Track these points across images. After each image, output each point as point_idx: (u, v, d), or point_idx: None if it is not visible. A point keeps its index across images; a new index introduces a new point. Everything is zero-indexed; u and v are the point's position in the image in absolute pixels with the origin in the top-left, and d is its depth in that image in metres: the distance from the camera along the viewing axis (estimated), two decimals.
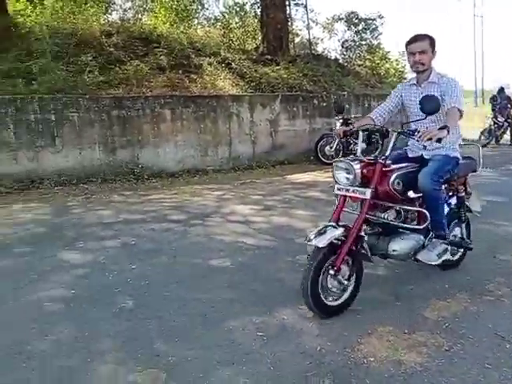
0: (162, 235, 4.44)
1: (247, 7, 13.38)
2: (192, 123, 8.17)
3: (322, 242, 2.51)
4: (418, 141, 2.64)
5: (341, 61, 13.21)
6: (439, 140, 2.51)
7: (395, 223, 2.86)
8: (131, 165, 7.54)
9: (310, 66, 10.95)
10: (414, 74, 3.09)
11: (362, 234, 2.71)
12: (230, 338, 2.50)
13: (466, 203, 3.32)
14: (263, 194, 6.42)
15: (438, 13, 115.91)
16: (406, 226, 2.88)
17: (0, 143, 6.59)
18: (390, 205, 2.85)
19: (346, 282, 2.68)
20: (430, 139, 2.49)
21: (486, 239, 3.95)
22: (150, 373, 2.20)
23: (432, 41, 2.95)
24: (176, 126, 8.03)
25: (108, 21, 11.25)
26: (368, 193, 2.66)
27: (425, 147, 2.95)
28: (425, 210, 2.84)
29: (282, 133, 9.42)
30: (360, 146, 2.88)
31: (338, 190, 2.78)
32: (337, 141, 8.60)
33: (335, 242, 2.60)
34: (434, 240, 2.93)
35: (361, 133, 2.93)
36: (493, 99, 12.27)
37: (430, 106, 2.57)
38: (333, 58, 13.20)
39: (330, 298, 2.69)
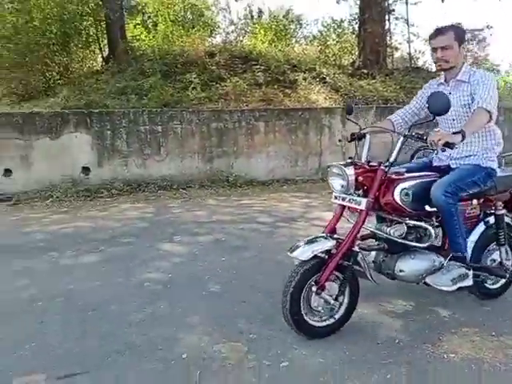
0: (250, 234, 4.70)
1: (345, 24, 13.50)
2: (284, 135, 8.44)
3: (306, 254, 2.23)
4: (431, 145, 2.23)
5: None
6: (448, 145, 2.16)
7: (398, 240, 2.46)
8: (226, 173, 7.99)
9: (408, 78, 10.70)
10: None
11: (356, 248, 2.37)
12: None
13: (509, 222, 2.79)
14: None
15: None
16: (407, 242, 2.47)
17: (114, 151, 7.48)
18: (396, 219, 2.49)
19: (332, 302, 2.35)
20: (444, 143, 2.15)
21: None
22: (233, 346, 2.40)
23: (458, 33, 2.55)
24: (269, 138, 8.36)
25: (212, 43, 12.17)
26: (363, 203, 2.32)
27: (449, 154, 2.58)
28: (428, 226, 2.45)
29: (375, 145, 9.22)
30: (365, 150, 2.64)
31: (335, 198, 2.50)
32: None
33: (321, 255, 2.30)
34: (450, 262, 2.51)
35: (368, 136, 2.71)
36: None
37: (437, 104, 2.19)
38: (433, 70, 12.72)
39: (317, 318, 2.39)
